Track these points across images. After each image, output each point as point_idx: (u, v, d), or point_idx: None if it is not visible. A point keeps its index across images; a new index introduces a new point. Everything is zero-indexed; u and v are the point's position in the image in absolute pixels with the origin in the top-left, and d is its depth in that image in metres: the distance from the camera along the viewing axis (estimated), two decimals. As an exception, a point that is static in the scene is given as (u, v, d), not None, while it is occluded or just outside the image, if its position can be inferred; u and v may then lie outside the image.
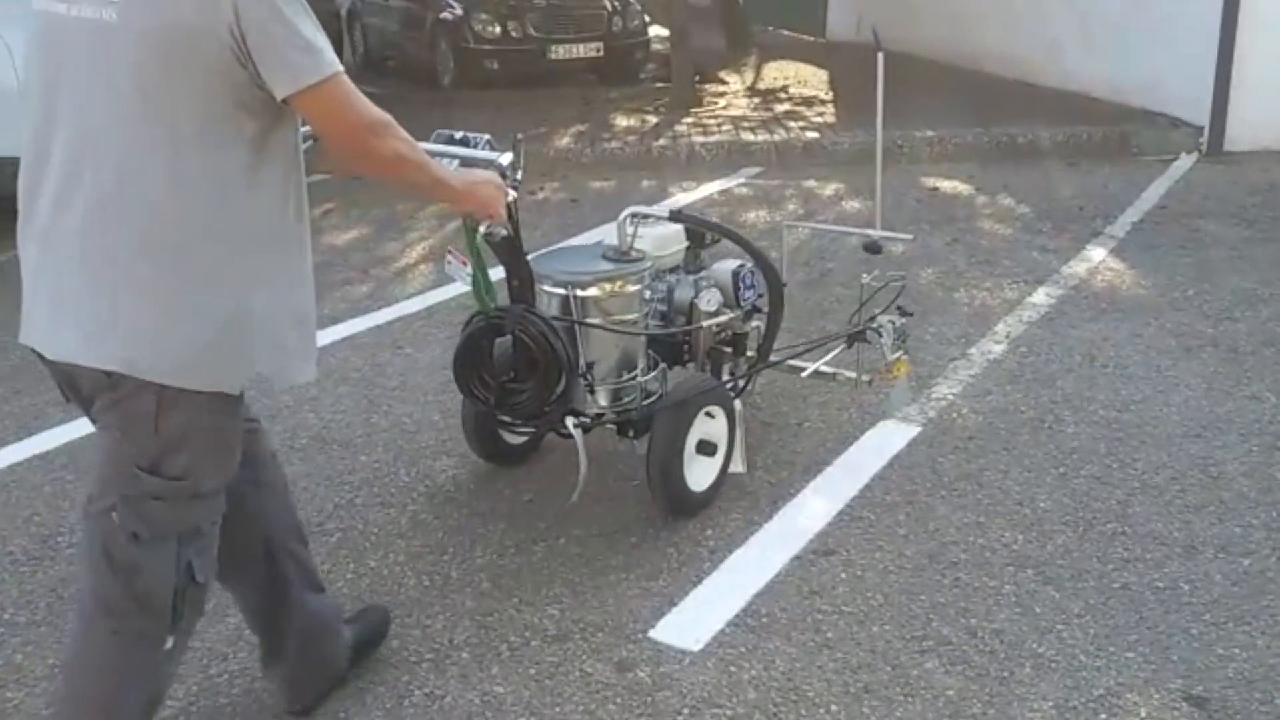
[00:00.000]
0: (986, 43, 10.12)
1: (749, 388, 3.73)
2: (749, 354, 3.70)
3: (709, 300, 3.51)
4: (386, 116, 2.14)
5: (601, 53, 11.05)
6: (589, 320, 3.23)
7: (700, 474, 3.35)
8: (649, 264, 3.38)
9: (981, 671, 2.67)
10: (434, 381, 4.37)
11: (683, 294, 3.54)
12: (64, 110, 2.00)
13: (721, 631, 2.83)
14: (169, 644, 2.18)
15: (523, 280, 3.09)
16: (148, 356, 2.01)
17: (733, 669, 2.70)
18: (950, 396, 4.14)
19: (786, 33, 14.92)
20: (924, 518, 3.34)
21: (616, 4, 11.34)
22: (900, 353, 3.74)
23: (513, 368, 3.12)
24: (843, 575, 3.06)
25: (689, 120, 8.74)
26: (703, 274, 3.65)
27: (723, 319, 3.53)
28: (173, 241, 2.00)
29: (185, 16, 1.92)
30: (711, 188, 7.29)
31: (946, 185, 7.19)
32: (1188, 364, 4.37)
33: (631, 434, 3.39)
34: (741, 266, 3.65)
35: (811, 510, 3.40)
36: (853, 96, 9.45)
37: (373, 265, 5.89)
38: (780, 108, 9.19)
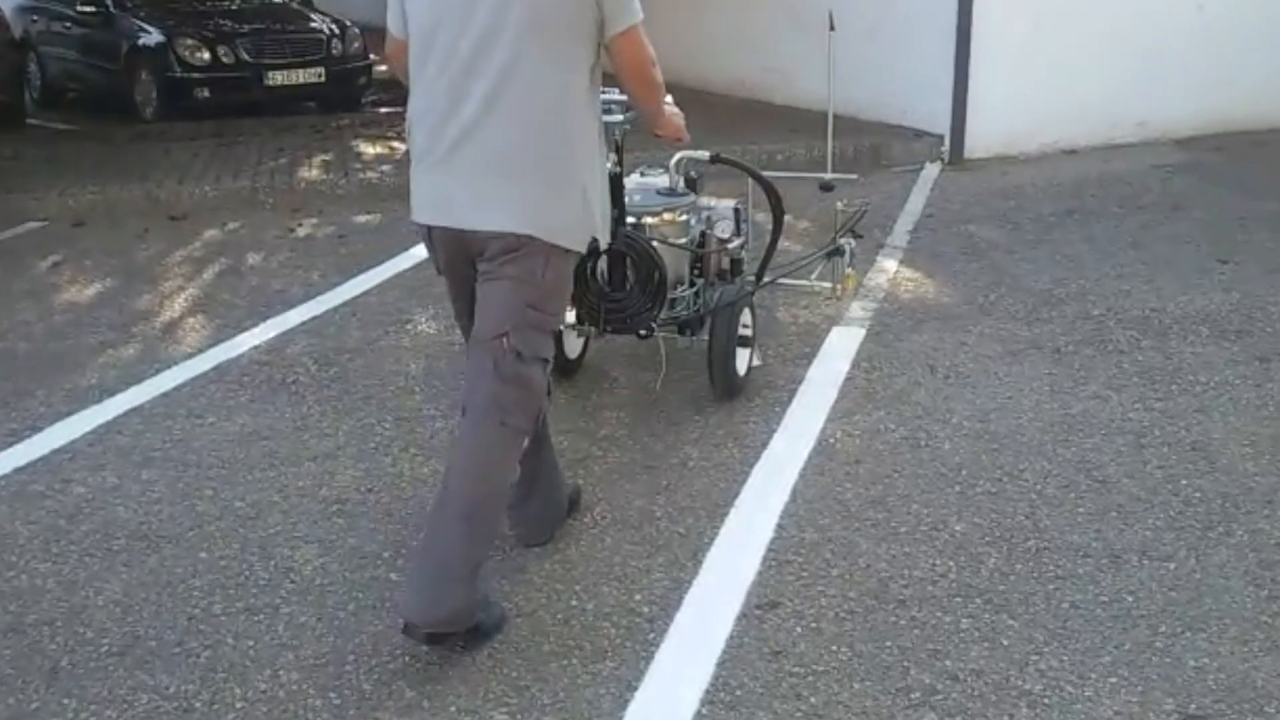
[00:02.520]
0: (718, 66, 10.24)
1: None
2: (744, 273, 4.38)
3: (723, 229, 4.28)
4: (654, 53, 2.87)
5: (323, 78, 10.42)
6: (670, 241, 4.03)
7: (740, 362, 4.16)
8: (692, 199, 4.19)
9: (980, 718, 2.52)
10: (255, 454, 3.82)
11: (697, 225, 4.22)
12: (471, 57, 2.70)
13: (700, 715, 2.54)
14: (525, 443, 2.86)
15: (621, 210, 3.79)
16: (545, 225, 2.74)
17: (726, 755, 2.43)
18: (818, 420, 4.02)
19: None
20: (849, 554, 3.17)
21: (335, 28, 10.73)
22: (849, 268, 4.70)
23: (613, 282, 3.91)
24: (798, 630, 2.84)
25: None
26: (709, 209, 4.31)
27: (734, 244, 4.30)
28: (557, 144, 2.76)
29: None
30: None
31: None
32: (1020, 368, 4.46)
33: (690, 332, 4.19)
34: (738, 205, 4.42)
35: (734, 559, 3.16)
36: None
37: (132, 322, 5.17)
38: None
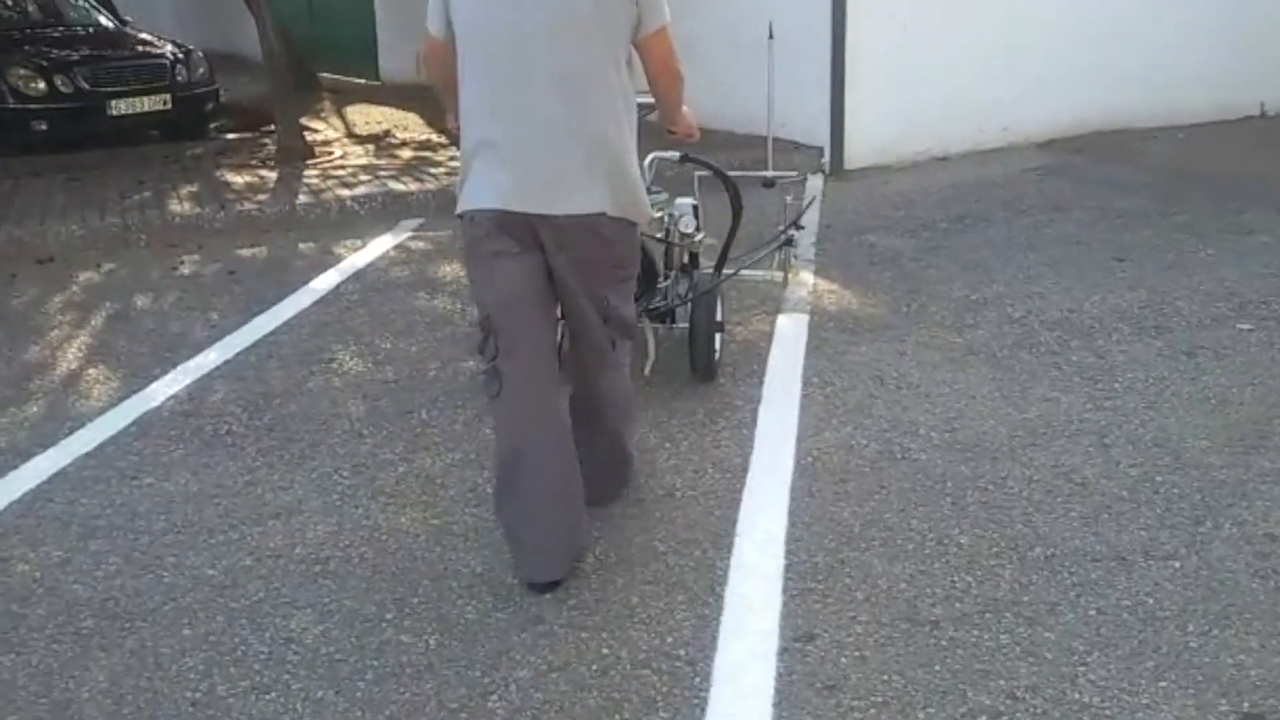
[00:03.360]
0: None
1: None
2: (701, 266, 4.69)
3: (687, 224, 4.50)
4: None
5: (169, 105, 9.87)
6: (654, 236, 4.35)
7: (716, 345, 4.51)
8: (665, 196, 4.50)
9: (1051, 736, 2.51)
10: (210, 515, 3.55)
11: (668, 221, 4.49)
12: (531, 58, 2.95)
13: (776, 761, 2.46)
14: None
15: None
16: (616, 203, 3.07)
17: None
18: (788, 438, 3.98)
19: (342, 78, 14.25)
20: (868, 576, 3.13)
21: (179, 53, 10.21)
22: (793, 257, 5.26)
23: None
24: (843, 661, 2.78)
25: (314, 173, 8.00)
26: (674, 205, 4.52)
27: (698, 237, 4.59)
28: (615, 132, 3.07)
29: None
30: (382, 243, 6.67)
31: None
32: (964, 375, 4.52)
33: (670, 321, 4.52)
34: (695, 203, 4.61)
35: (753, 591, 3.08)
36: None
37: (27, 377, 4.76)
38: (405, 154, 8.65)
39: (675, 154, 4.40)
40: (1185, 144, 8.63)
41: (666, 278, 4.53)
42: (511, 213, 2.98)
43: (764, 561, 3.23)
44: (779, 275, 5.23)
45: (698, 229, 4.59)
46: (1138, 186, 7.41)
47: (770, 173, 5.34)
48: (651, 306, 4.40)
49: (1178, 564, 3.16)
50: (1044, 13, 8.57)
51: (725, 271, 4.61)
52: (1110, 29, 8.73)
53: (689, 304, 4.37)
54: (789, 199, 5.24)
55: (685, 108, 3.46)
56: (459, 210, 3.10)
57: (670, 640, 2.87)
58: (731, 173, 4.66)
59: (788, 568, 3.19)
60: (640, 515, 3.50)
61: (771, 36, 5.24)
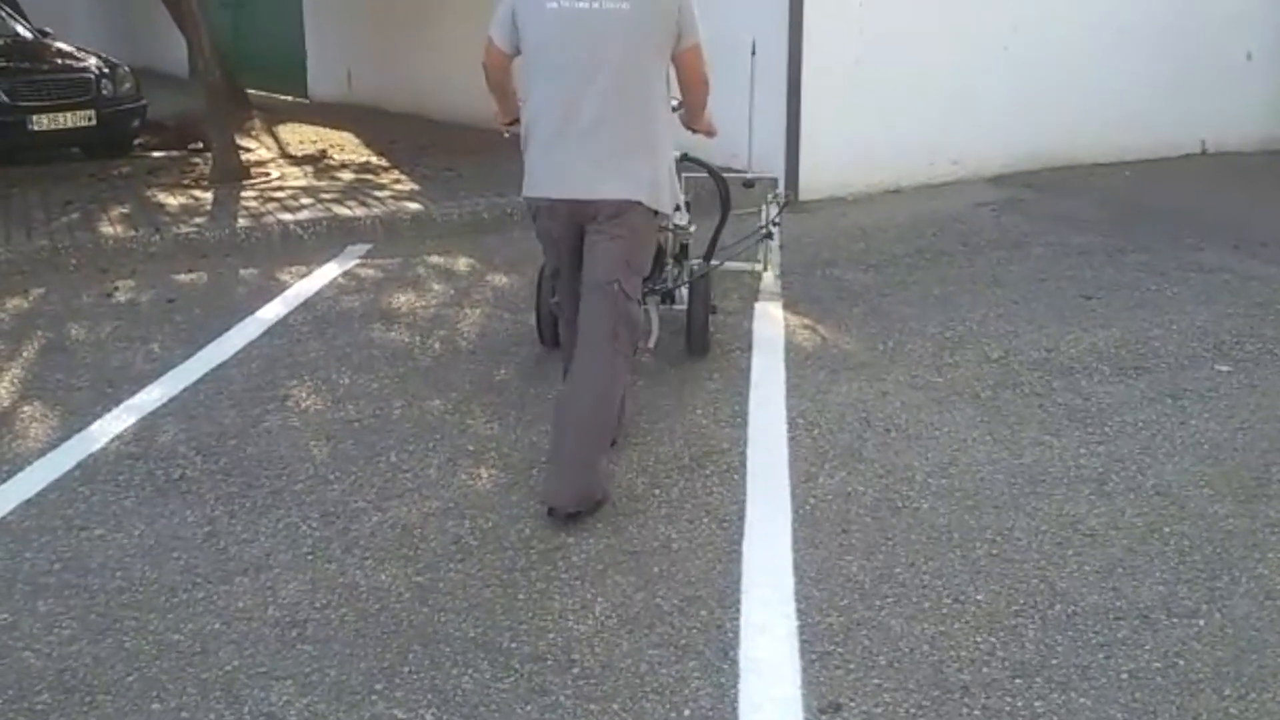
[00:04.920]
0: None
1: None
2: (691, 256, 5.11)
3: (681, 217, 4.87)
4: None
5: (94, 121, 9.46)
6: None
7: (709, 324, 5.02)
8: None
9: (1106, 817, 2.36)
10: (170, 571, 3.27)
11: None
12: (590, 67, 3.58)
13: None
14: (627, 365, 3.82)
15: None
16: (647, 194, 3.66)
17: None
18: (782, 485, 3.81)
19: (270, 95, 13.88)
20: (887, 638, 2.97)
21: (104, 67, 9.80)
22: (771, 249, 5.99)
23: None
24: (875, 732, 2.61)
25: (252, 195, 7.67)
26: None
27: (692, 229, 5.02)
28: (650, 132, 3.69)
29: (663, 4, 3.62)
30: (329, 271, 6.39)
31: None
32: (951, 416, 4.40)
33: (671, 301, 5.02)
34: (687, 199, 5.02)
35: (768, 655, 2.90)
36: (414, 160, 8.91)
37: (-47, 416, 4.41)
38: (346, 176, 8.36)
39: (676, 153, 4.41)
40: (1133, 180, 8.68)
41: (666, 263, 4.89)
42: (562, 201, 3.68)
43: (775, 621, 3.05)
44: (759, 266, 5.96)
45: (690, 222, 5.04)
46: (1093, 223, 7.41)
47: (751, 174, 5.88)
48: (655, 288, 4.79)
49: (1201, 622, 3.05)
50: (993, 50, 8.59)
51: (715, 260, 5.19)
52: (1058, 67, 8.77)
53: (688, 287, 4.96)
54: (770, 197, 5.79)
55: (708, 109, 4.08)
56: (524, 195, 3.82)
57: (688, 713, 2.68)
58: (731, 173, 5.25)
59: (801, 628, 3.01)
60: (637, 569, 3.30)
61: (754, 53, 6.03)
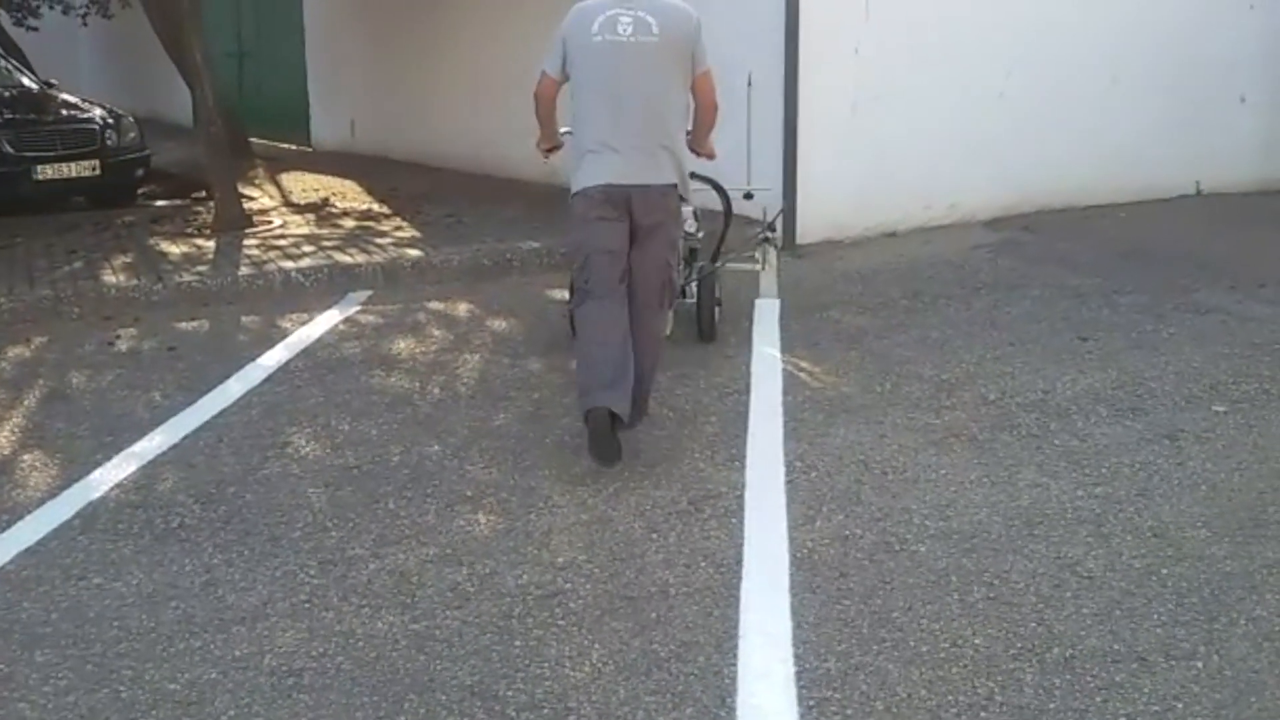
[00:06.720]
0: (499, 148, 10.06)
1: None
2: (699, 259, 5.98)
3: (690, 224, 5.58)
4: None
5: (98, 171, 9.55)
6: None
7: (715, 316, 5.93)
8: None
9: None
10: (167, 620, 3.28)
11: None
12: (629, 87, 4.39)
13: None
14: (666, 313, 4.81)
15: None
16: (679, 180, 4.51)
17: None
18: (779, 528, 3.82)
19: (274, 144, 14.00)
20: (884, 684, 2.96)
21: (108, 118, 9.90)
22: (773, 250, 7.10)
23: None
24: (874, 779, 2.60)
25: (254, 243, 7.73)
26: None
27: (700, 235, 5.89)
28: (676, 140, 4.52)
29: (686, 34, 4.45)
30: (330, 317, 6.42)
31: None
32: (948, 459, 4.41)
33: (686, 295, 5.70)
34: (694, 208, 5.67)
35: (766, 701, 2.90)
36: (415, 206, 8.97)
37: (-48, 465, 4.43)
38: (348, 223, 8.42)
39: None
40: (1128, 222, 8.73)
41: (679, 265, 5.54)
42: (615, 186, 4.37)
43: (773, 667, 3.04)
44: (758, 266, 6.91)
45: (698, 229, 5.82)
46: (1089, 265, 7.45)
47: (750, 186, 6.59)
48: None
49: (1199, 664, 3.04)
50: (989, 94, 8.67)
51: (722, 259, 6.08)
52: (1053, 110, 8.85)
53: (698, 283, 5.76)
54: (767, 205, 6.69)
55: (712, 134, 4.81)
56: (574, 191, 4.45)
57: (686, 761, 2.68)
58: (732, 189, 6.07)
59: (799, 674, 3.01)
60: (634, 614, 3.30)
61: (750, 85, 7.03)
